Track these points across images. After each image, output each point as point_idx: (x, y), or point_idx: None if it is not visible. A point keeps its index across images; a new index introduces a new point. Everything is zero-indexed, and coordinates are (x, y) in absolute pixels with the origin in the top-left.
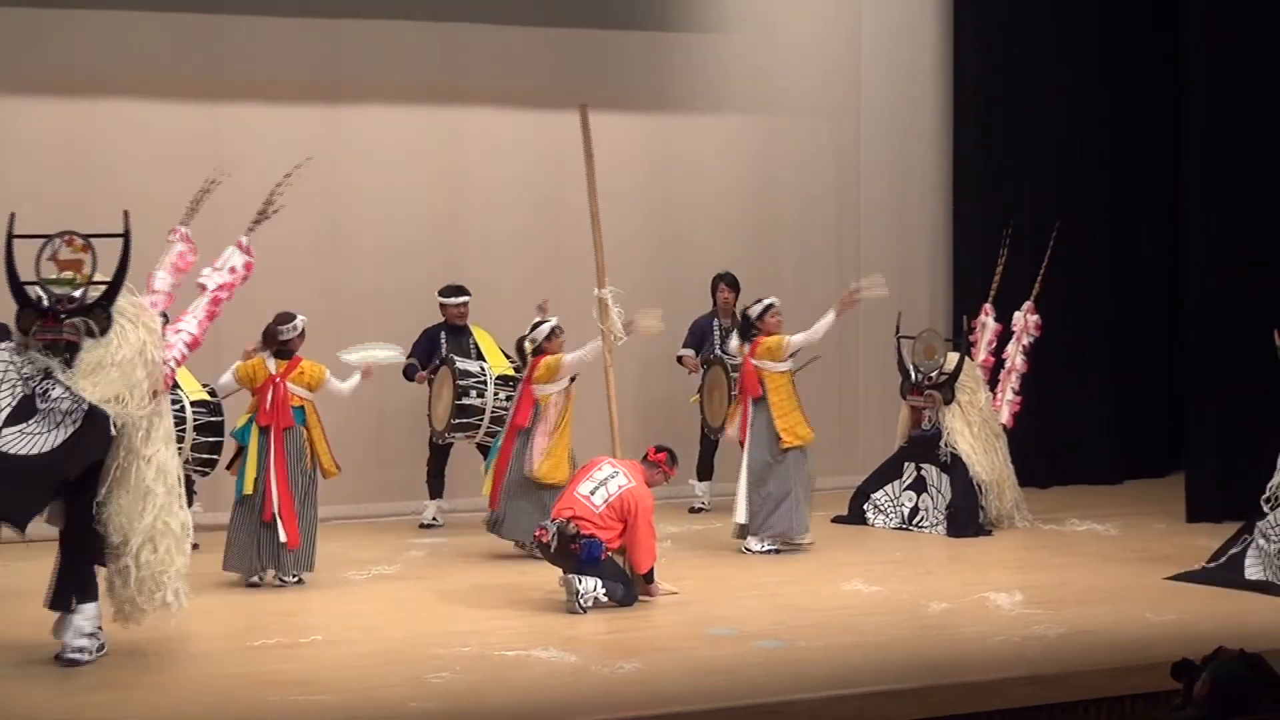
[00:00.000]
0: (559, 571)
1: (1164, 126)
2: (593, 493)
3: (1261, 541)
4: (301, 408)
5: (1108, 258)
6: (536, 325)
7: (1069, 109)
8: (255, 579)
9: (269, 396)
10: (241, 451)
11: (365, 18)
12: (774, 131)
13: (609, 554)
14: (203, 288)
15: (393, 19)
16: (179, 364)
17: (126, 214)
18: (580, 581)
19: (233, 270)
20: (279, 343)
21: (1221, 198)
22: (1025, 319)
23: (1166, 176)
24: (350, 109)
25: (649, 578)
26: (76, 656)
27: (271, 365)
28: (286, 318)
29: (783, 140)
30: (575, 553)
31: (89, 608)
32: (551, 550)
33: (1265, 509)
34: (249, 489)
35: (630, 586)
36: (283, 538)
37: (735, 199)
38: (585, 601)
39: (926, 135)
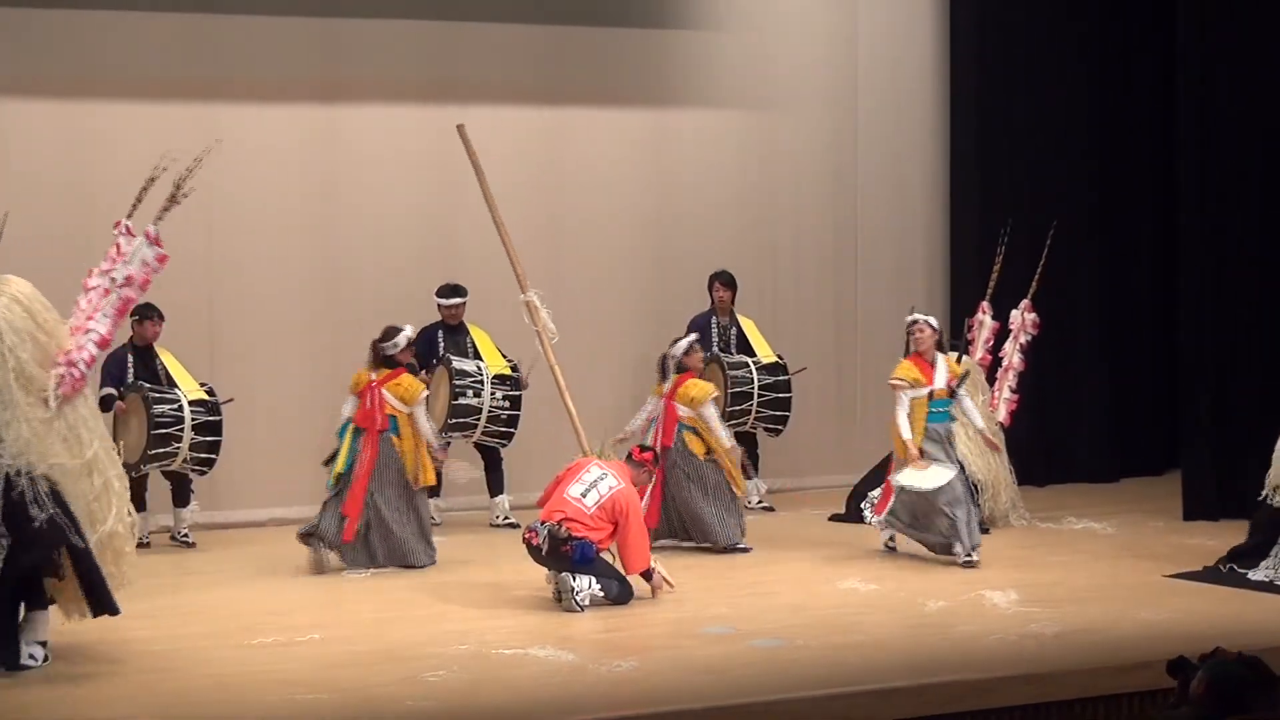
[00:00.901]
0: (546, 572)
1: (1162, 125)
2: (584, 494)
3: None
4: (394, 417)
5: (1105, 256)
6: (675, 341)
7: (1066, 107)
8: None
9: (366, 400)
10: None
11: (361, 16)
12: (771, 129)
13: (599, 554)
14: (103, 289)
15: (388, 18)
16: (89, 365)
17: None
18: (574, 579)
19: (144, 264)
20: (383, 357)
21: (1219, 197)
22: (1023, 317)
23: (1164, 174)
24: (346, 107)
25: (648, 575)
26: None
27: (374, 373)
28: (390, 333)
29: (780, 137)
30: (567, 554)
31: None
32: (543, 553)
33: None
34: (333, 480)
35: (625, 584)
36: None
37: (732, 196)
38: (581, 599)
39: (924, 133)
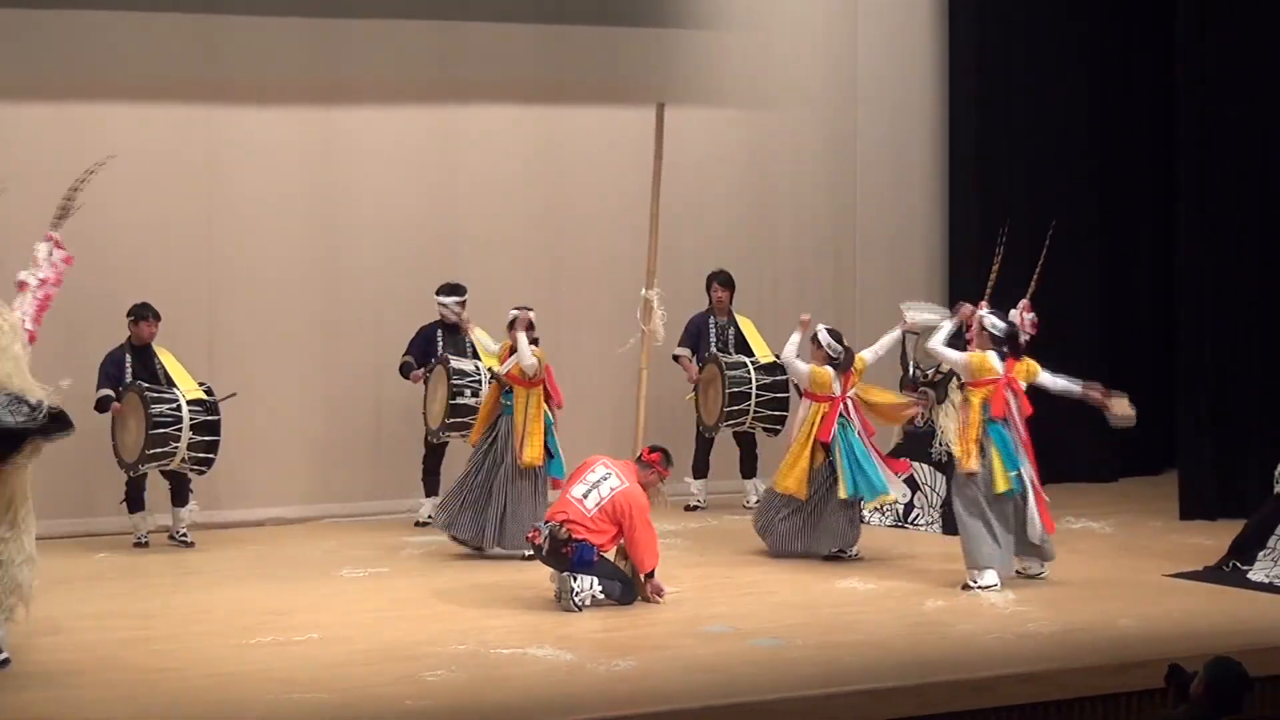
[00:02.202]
0: (550, 570)
1: (1161, 125)
2: (585, 495)
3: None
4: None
5: (1104, 256)
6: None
7: (1066, 107)
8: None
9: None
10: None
11: (360, 16)
12: (770, 128)
13: (601, 556)
14: (23, 285)
15: (387, 18)
16: None
17: None
18: (575, 580)
19: (54, 266)
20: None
21: (1219, 197)
22: (1021, 317)
23: (1163, 175)
24: (344, 108)
25: (650, 576)
26: None
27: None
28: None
29: (779, 137)
30: (567, 556)
31: None
32: (544, 552)
33: None
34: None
35: (629, 585)
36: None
37: (731, 195)
38: (581, 600)
39: (923, 133)
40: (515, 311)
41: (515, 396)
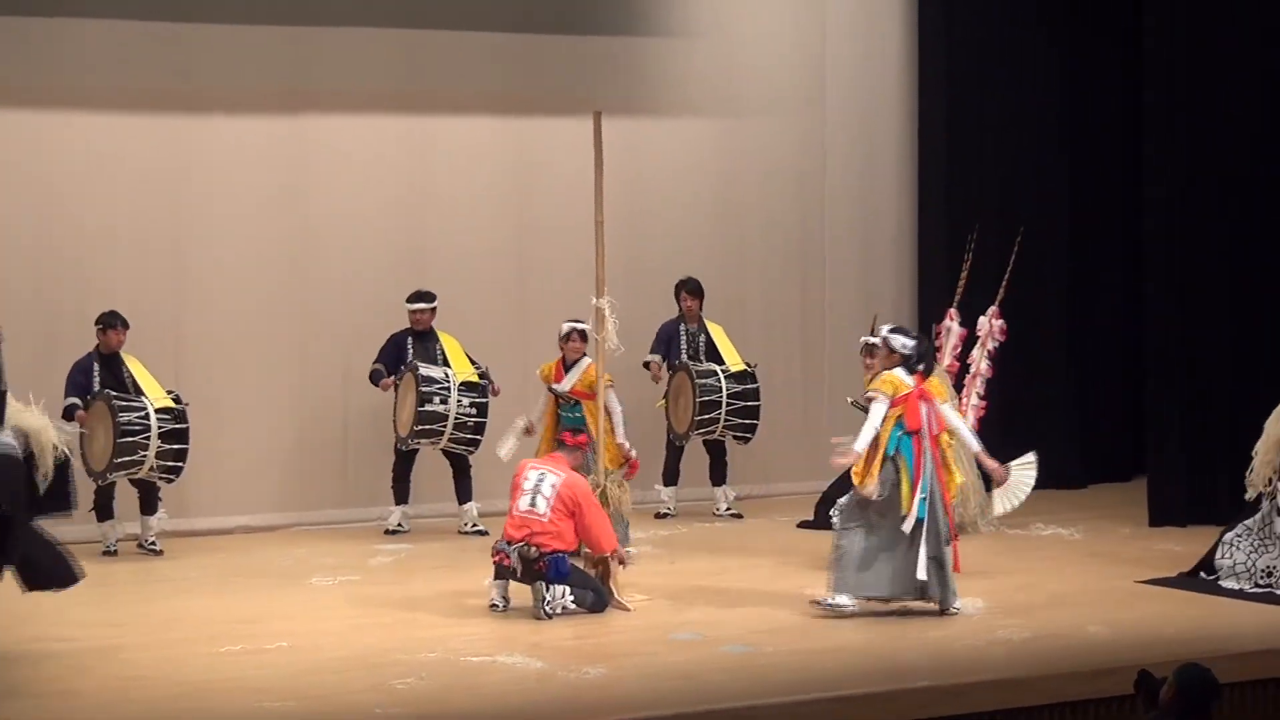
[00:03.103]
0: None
1: (1129, 132)
2: (533, 504)
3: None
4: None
5: (1073, 263)
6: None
7: (1035, 114)
8: None
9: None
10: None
11: (329, 25)
12: (738, 136)
13: (574, 567)
14: None
15: (357, 26)
16: None
17: None
18: (548, 589)
19: None
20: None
21: (1186, 202)
22: (990, 324)
23: (1131, 180)
24: (315, 117)
25: (615, 554)
26: None
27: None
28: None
29: (747, 144)
30: (542, 572)
31: None
32: (518, 575)
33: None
34: None
35: (600, 594)
36: None
37: (700, 203)
38: (553, 609)
39: (891, 140)
40: (574, 325)
41: (585, 411)
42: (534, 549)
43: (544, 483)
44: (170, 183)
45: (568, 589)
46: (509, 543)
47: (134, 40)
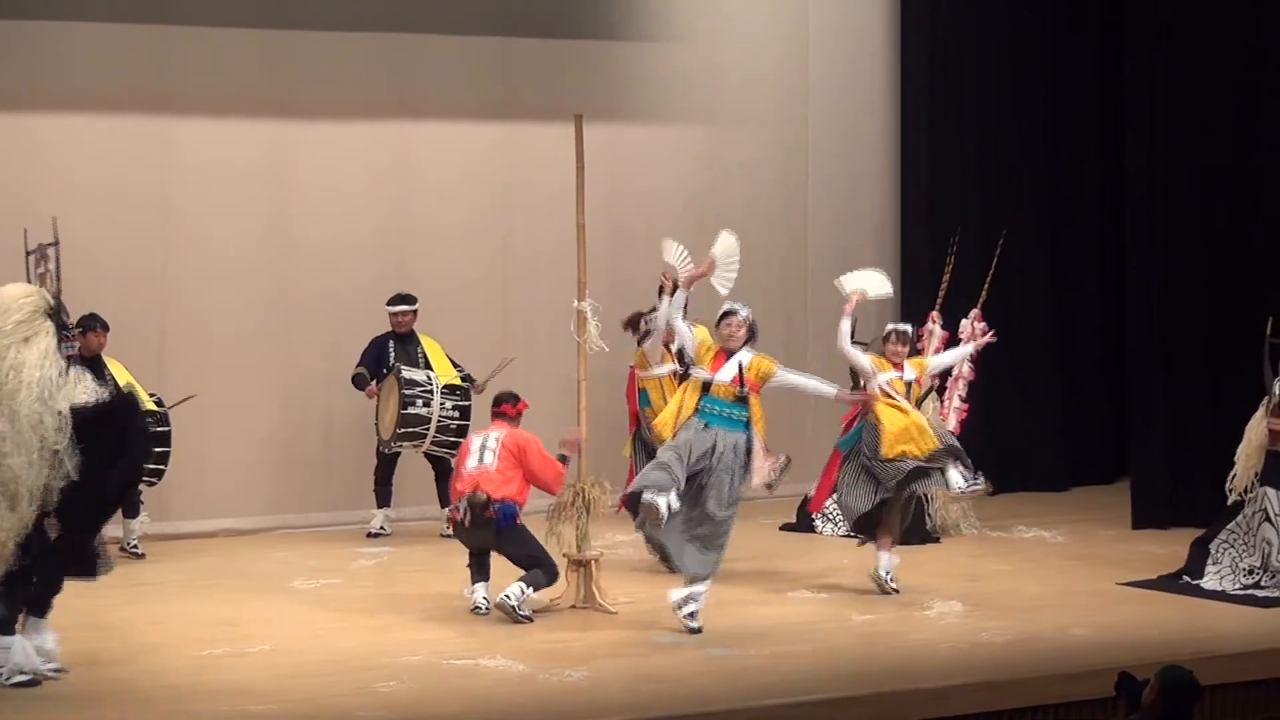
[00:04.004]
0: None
1: (1112, 132)
2: (480, 460)
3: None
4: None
5: (1055, 265)
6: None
7: (1016, 117)
8: None
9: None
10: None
11: (312, 29)
12: (721, 140)
13: (521, 523)
14: None
15: (340, 31)
16: None
17: (55, 220)
18: (508, 598)
19: None
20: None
21: (1167, 204)
22: (972, 326)
23: (1113, 183)
24: (298, 122)
25: (565, 460)
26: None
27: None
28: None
29: (729, 149)
30: (491, 520)
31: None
32: (466, 525)
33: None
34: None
35: (548, 563)
36: None
37: (681, 208)
38: (521, 605)
39: (873, 143)
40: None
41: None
42: (483, 494)
43: (489, 441)
44: (153, 186)
45: (520, 585)
46: (455, 501)
47: (116, 43)
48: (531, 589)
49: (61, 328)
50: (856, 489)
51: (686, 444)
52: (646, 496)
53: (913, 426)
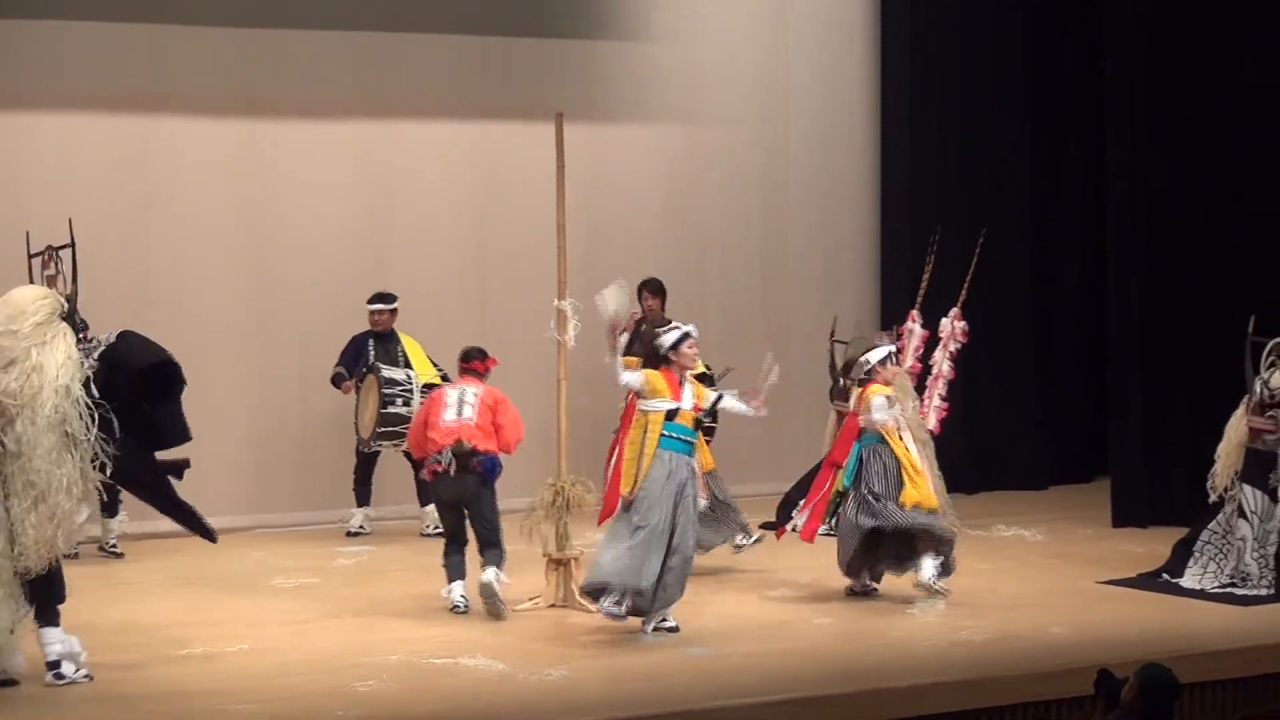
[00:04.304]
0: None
1: (1091, 130)
2: (460, 413)
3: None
4: None
5: (1034, 262)
6: (869, 349)
7: (996, 116)
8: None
9: None
10: None
11: (290, 28)
12: (700, 140)
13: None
14: None
15: (318, 29)
16: None
17: (70, 222)
18: (492, 582)
19: None
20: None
21: (1146, 204)
22: (952, 325)
23: (1093, 182)
24: (276, 120)
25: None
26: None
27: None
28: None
29: (709, 148)
30: (475, 470)
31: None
32: (451, 475)
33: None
34: None
35: (502, 542)
36: None
37: (662, 207)
38: (502, 589)
39: (853, 143)
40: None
41: None
42: (468, 444)
43: (466, 395)
44: (130, 186)
45: (494, 568)
46: (438, 452)
47: (94, 42)
48: (504, 575)
49: (77, 329)
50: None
51: (660, 509)
52: (607, 608)
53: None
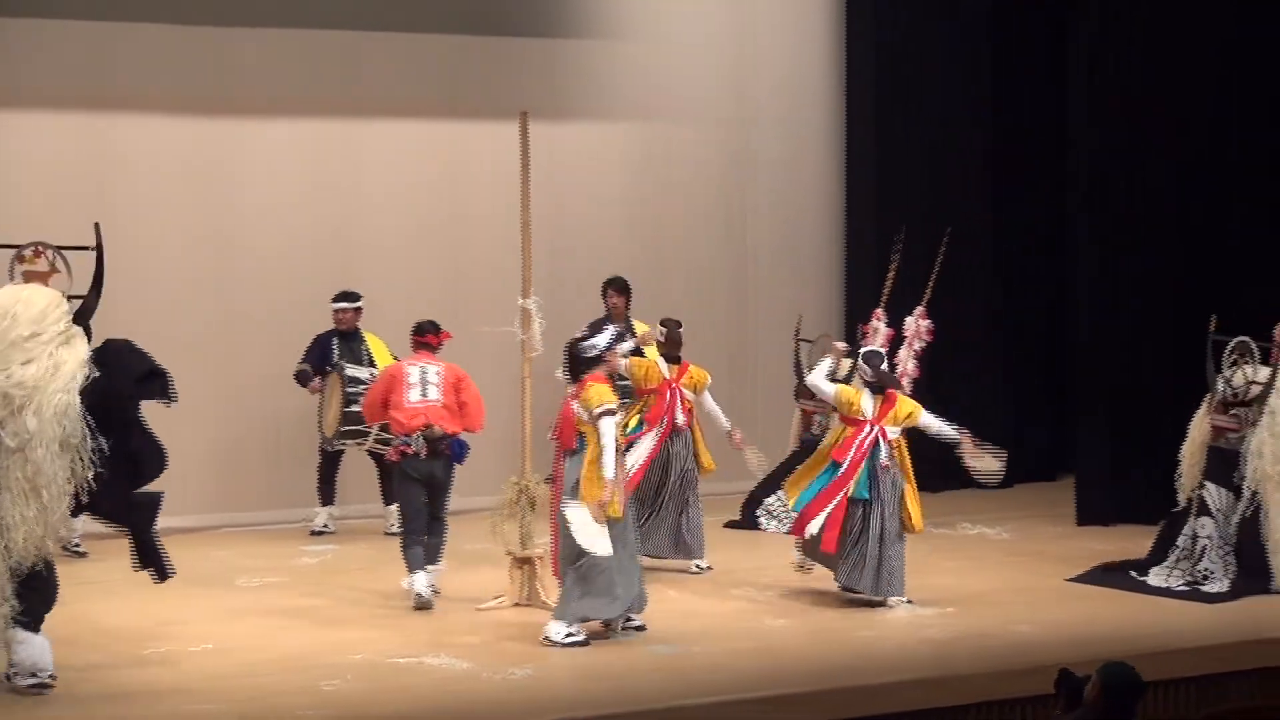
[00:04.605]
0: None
1: (1055, 128)
2: (424, 394)
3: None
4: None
5: (1000, 263)
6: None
7: (961, 114)
8: None
9: (665, 399)
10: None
11: (254, 26)
12: (666, 137)
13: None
14: None
15: (282, 28)
16: None
17: (98, 226)
18: (421, 583)
19: None
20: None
21: (1109, 203)
22: (917, 324)
23: (1057, 181)
24: (240, 119)
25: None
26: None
27: (665, 369)
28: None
29: (675, 146)
30: (445, 453)
31: None
32: (422, 457)
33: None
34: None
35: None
36: None
37: (627, 205)
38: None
39: (818, 141)
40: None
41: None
42: (437, 429)
43: (428, 374)
44: (93, 183)
45: (432, 580)
46: (403, 436)
47: (56, 41)
48: (441, 564)
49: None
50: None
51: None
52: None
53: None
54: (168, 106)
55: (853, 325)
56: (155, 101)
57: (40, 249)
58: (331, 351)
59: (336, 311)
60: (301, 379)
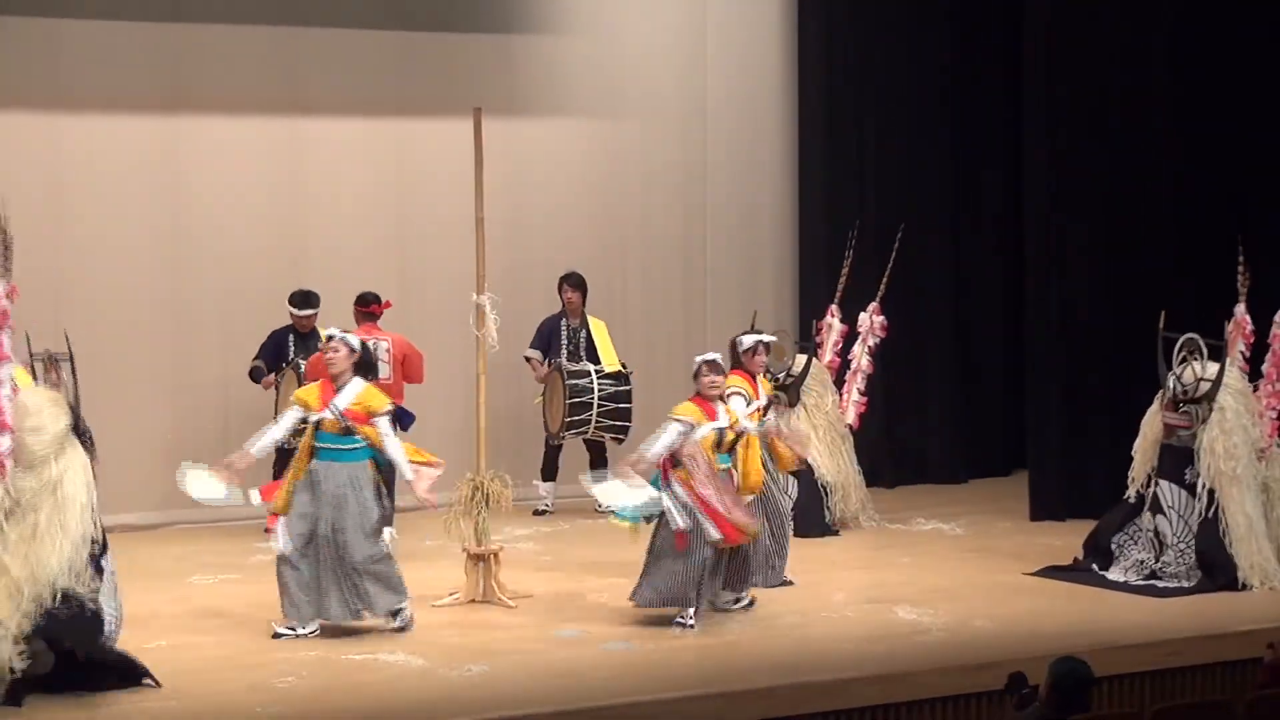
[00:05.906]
0: None
1: (1009, 126)
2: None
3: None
4: None
5: (953, 259)
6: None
7: (915, 111)
8: None
9: None
10: None
11: (204, 22)
12: (619, 135)
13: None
14: None
15: (232, 24)
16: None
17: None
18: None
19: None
20: None
21: (1064, 197)
22: (871, 320)
23: (1011, 176)
24: (190, 116)
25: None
26: None
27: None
28: None
29: (628, 143)
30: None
31: None
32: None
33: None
34: None
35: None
36: None
37: (581, 202)
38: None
39: (772, 137)
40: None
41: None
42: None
43: (378, 350)
44: (43, 182)
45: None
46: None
47: (7, 38)
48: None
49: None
50: None
51: None
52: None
53: None
54: (117, 103)
55: (807, 321)
56: (105, 98)
57: (49, 363)
58: (287, 348)
59: (298, 317)
60: (255, 375)
